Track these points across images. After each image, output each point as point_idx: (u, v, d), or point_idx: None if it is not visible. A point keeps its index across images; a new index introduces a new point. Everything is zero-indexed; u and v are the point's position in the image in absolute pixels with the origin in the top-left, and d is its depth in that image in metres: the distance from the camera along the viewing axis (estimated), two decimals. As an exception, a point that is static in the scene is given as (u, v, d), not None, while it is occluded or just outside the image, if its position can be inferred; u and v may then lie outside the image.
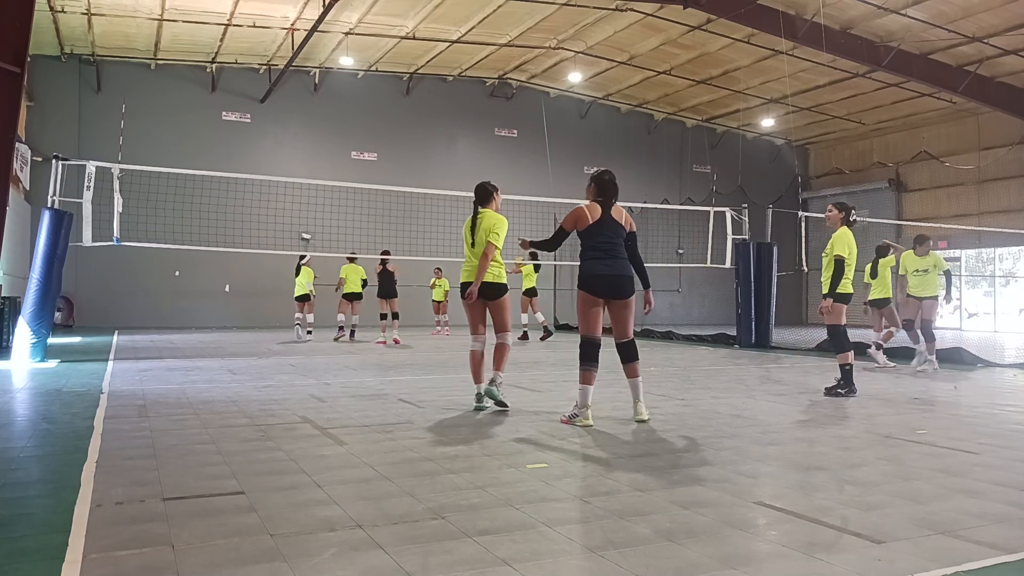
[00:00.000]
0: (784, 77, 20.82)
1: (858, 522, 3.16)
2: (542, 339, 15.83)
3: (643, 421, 5.57)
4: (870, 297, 11.23)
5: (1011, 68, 19.77)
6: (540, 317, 16.14)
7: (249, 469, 4.01)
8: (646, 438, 5.02)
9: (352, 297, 15.67)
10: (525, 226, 20.74)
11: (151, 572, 2.54)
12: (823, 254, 7.59)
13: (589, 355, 5.58)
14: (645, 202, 21.71)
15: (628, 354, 5.72)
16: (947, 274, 10.32)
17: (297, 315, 15.62)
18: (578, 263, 5.76)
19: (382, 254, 15.71)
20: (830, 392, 7.32)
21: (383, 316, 15.12)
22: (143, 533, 2.92)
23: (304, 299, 15.52)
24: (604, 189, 5.79)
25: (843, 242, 7.34)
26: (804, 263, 16.25)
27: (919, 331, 10.29)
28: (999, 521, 3.20)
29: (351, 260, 15.90)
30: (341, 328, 16.03)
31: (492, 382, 6.21)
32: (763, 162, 28.48)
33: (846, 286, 7.40)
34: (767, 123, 26.17)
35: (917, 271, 10.36)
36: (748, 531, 3.05)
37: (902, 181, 26.56)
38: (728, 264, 15.28)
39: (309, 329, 15.57)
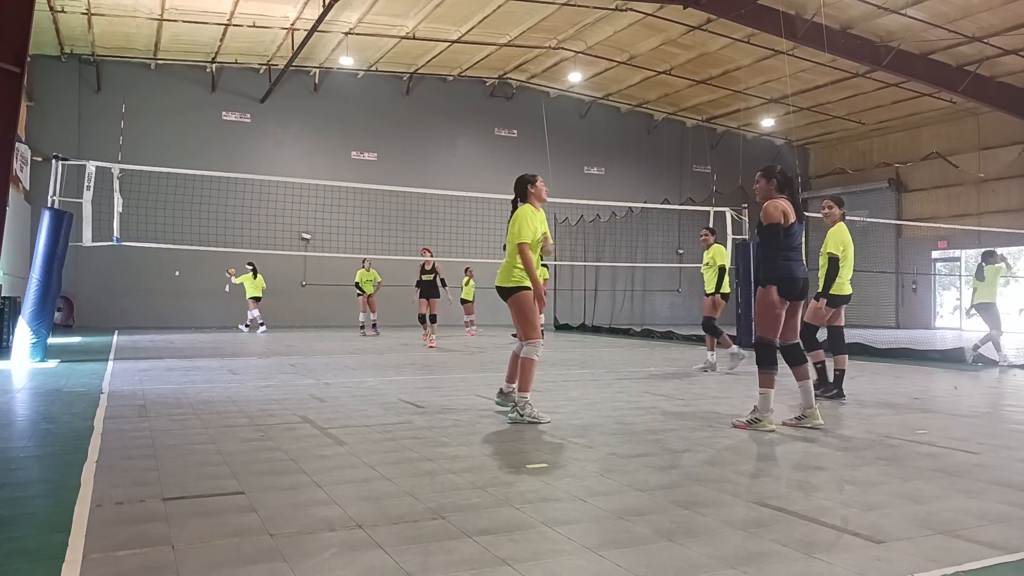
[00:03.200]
0: (784, 77, 20.82)
1: (858, 522, 3.16)
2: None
3: (820, 427, 5.40)
4: (975, 301, 11.39)
5: (1011, 68, 19.77)
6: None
7: (249, 469, 4.01)
8: (646, 438, 5.02)
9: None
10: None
11: (151, 572, 2.54)
12: (821, 252, 7.27)
13: (773, 358, 5.43)
14: (645, 202, 21.73)
15: (797, 357, 5.58)
16: (721, 269, 9.90)
17: (256, 312, 18.91)
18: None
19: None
20: (820, 395, 6.96)
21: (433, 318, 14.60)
22: (143, 533, 2.92)
23: (258, 299, 18.97)
24: (788, 185, 5.56)
25: (837, 239, 7.04)
26: (804, 263, 16.22)
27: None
28: (999, 521, 3.20)
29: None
30: (363, 325, 18.32)
31: (500, 392, 6.07)
32: (763, 162, 27.96)
33: (842, 287, 7.08)
34: (767, 123, 26.16)
35: (707, 265, 10.12)
36: (748, 531, 3.05)
37: (902, 181, 26.56)
38: (728, 264, 15.25)
39: (262, 322, 18.89)
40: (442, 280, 14.22)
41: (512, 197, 5.96)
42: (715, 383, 8.35)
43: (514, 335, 6.52)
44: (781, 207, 5.44)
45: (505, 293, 5.77)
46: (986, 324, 11.23)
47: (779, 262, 5.42)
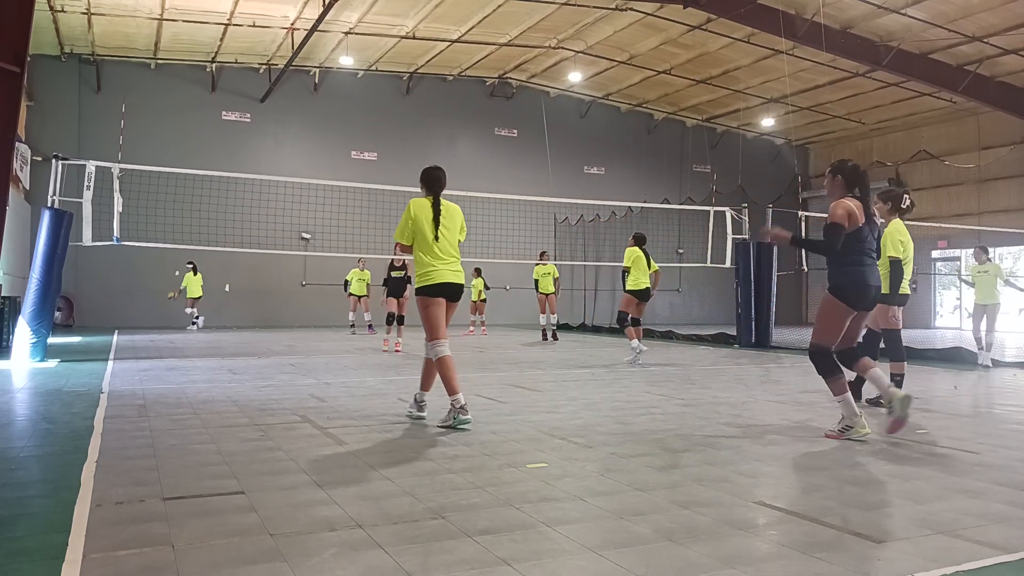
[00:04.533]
0: (784, 77, 20.81)
1: (858, 522, 3.16)
2: (554, 338, 16.00)
3: (866, 438, 4.94)
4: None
5: (1011, 68, 19.77)
6: (554, 318, 16.23)
7: (249, 469, 4.00)
8: (646, 438, 5.02)
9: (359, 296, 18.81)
10: (526, 226, 20.81)
11: (151, 572, 2.54)
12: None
13: (832, 363, 5.06)
14: (645, 202, 21.72)
15: (851, 358, 5.13)
16: (625, 271, 10.95)
17: (191, 310, 19.47)
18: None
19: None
20: (872, 402, 6.55)
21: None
22: (143, 533, 2.92)
23: (198, 298, 19.58)
24: (858, 180, 5.07)
25: (895, 239, 6.51)
26: (804, 263, 16.24)
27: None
28: (999, 521, 3.20)
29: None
30: (353, 324, 19.08)
31: (463, 410, 5.31)
32: (763, 162, 28.50)
33: (903, 287, 6.63)
34: (767, 123, 26.17)
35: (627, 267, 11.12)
36: (748, 531, 3.05)
37: (902, 181, 26.56)
38: (728, 264, 15.28)
39: (195, 320, 19.49)
40: (409, 278, 12.38)
41: (428, 190, 5.70)
42: (716, 383, 8.36)
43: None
44: (846, 207, 4.96)
45: (460, 292, 5.67)
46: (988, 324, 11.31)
47: (847, 267, 4.98)
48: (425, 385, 5.74)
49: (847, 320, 5.04)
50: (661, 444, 4.81)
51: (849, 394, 5.05)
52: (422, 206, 5.62)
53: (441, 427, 5.36)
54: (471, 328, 18.89)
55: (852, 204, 4.98)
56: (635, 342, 10.64)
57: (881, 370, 4.92)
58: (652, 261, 11.03)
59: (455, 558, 2.69)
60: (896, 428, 4.96)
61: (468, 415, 5.33)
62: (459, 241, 5.75)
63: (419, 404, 5.70)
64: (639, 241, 11.00)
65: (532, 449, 4.61)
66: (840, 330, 5.06)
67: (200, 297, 19.65)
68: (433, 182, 5.72)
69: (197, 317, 19.51)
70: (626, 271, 10.87)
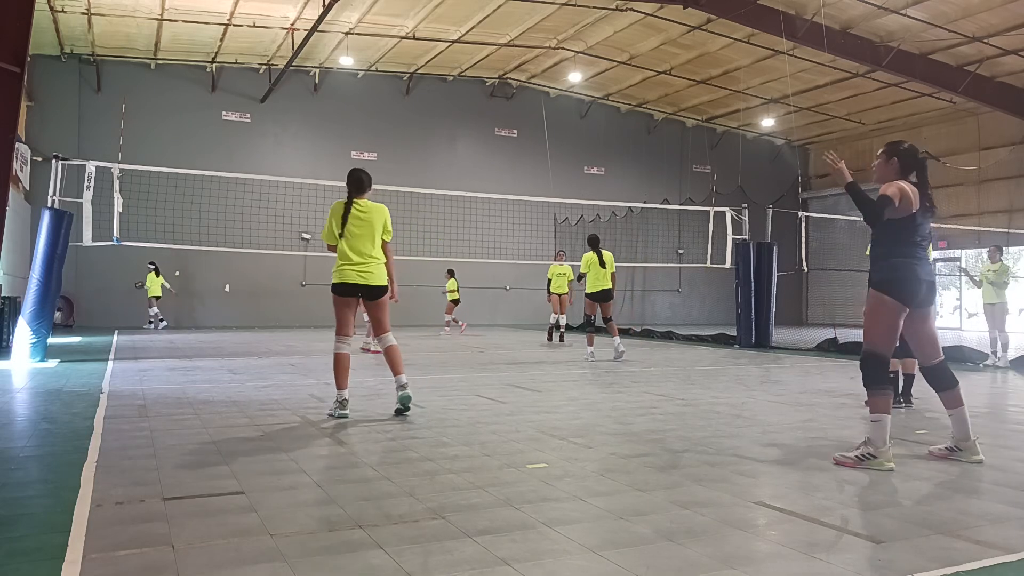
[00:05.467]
0: (784, 77, 20.82)
1: (858, 522, 3.16)
2: (560, 339, 15.98)
3: (979, 462, 4.30)
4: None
5: (1011, 68, 19.77)
6: (563, 319, 16.17)
7: (249, 469, 4.01)
8: (646, 438, 5.02)
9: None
10: (525, 226, 20.81)
11: (151, 572, 2.54)
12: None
13: (883, 375, 4.33)
14: (645, 202, 21.73)
15: (945, 379, 4.42)
16: (582, 275, 11.34)
17: (155, 310, 19.54)
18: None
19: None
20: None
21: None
22: (143, 533, 2.92)
23: (157, 298, 19.61)
24: (916, 165, 4.45)
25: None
26: (804, 263, 16.24)
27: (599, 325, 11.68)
28: (999, 521, 3.20)
29: None
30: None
31: (403, 388, 5.86)
32: (763, 162, 28.50)
33: None
34: (767, 123, 26.16)
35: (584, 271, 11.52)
36: (748, 531, 3.05)
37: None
38: (728, 264, 15.28)
39: (162, 318, 19.66)
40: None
41: (351, 189, 5.93)
42: (716, 383, 8.36)
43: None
44: (900, 187, 4.32)
45: (381, 292, 5.95)
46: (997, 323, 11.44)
47: (893, 259, 4.34)
48: (395, 370, 5.96)
49: (900, 318, 4.34)
50: (661, 444, 4.81)
51: (889, 417, 4.28)
52: (336, 207, 5.90)
53: (329, 414, 5.86)
54: (463, 325, 19.13)
55: (908, 186, 4.36)
56: (590, 348, 11.20)
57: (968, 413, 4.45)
58: (608, 261, 11.14)
59: (455, 558, 2.69)
60: (937, 457, 4.49)
61: (346, 410, 5.79)
62: (384, 241, 5.94)
63: (401, 388, 5.87)
64: (592, 243, 11.28)
65: (532, 449, 4.61)
66: (895, 330, 4.36)
67: (159, 297, 19.71)
68: (353, 183, 5.95)
69: (160, 319, 19.60)
70: (581, 276, 11.28)
